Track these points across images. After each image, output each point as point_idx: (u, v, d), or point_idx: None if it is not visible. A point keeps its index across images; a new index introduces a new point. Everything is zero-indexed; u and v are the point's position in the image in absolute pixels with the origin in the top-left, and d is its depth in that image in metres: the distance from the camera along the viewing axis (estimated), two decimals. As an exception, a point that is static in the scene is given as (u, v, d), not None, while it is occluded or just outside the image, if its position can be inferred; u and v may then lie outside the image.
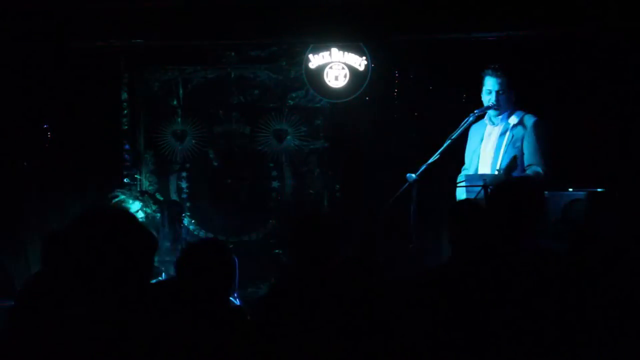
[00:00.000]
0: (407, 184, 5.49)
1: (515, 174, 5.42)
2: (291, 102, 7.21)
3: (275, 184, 7.24)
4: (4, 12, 6.78)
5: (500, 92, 5.55)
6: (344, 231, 7.11)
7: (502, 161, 5.48)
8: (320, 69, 7.03)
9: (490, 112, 5.63)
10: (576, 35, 6.58)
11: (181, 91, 7.29)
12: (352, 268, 3.47)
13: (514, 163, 5.43)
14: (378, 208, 6.83)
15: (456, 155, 6.55)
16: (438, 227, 6.90)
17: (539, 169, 5.42)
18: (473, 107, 5.77)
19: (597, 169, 6.74)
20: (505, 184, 3.83)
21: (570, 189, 5.58)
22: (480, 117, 5.77)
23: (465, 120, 5.57)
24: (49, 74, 7.12)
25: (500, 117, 5.62)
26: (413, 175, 5.45)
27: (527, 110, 5.68)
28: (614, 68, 6.53)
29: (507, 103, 5.59)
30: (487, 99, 5.59)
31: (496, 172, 5.46)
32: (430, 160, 5.54)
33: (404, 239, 6.98)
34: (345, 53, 6.98)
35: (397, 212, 6.96)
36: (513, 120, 5.57)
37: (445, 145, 5.55)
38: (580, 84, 6.62)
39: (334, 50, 7.01)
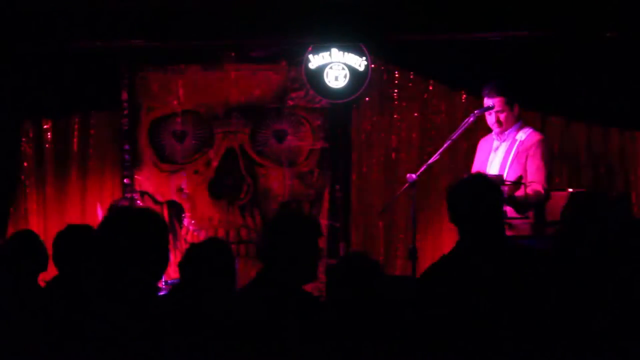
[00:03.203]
0: (407, 184, 5.49)
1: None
2: (291, 102, 7.21)
3: (275, 184, 7.24)
4: (4, 12, 6.77)
5: (499, 111, 5.57)
6: (344, 231, 7.15)
7: (507, 176, 5.48)
8: (320, 69, 7.03)
9: (496, 130, 5.64)
10: (576, 36, 6.58)
11: (181, 91, 7.28)
12: (350, 267, 3.46)
13: (520, 182, 5.44)
14: (378, 208, 6.83)
15: (456, 156, 6.57)
16: (438, 227, 6.91)
17: (539, 187, 5.45)
18: (473, 107, 5.78)
19: (597, 169, 6.76)
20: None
21: (570, 189, 5.60)
22: (487, 128, 5.76)
23: (466, 120, 5.58)
24: (49, 74, 7.12)
25: (507, 132, 5.63)
26: (413, 175, 5.45)
27: (534, 127, 5.70)
28: (614, 68, 6.53)
29: (508, 119, 5.59)
30: (490, 120, 5.60)
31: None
32: (431, 161, 5.55)
33: (404, 239, 7.01)
34: (345, 53, 6.98)
35: (397, 212, 7.00)
36: (520, 136, 5.57)
37: (445, 145, 5.55)
38: (579, 84, 6.62)
39: (334, 50, 7.01)
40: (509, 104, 5.57)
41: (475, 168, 5.80)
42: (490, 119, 5.59)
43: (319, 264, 3.54)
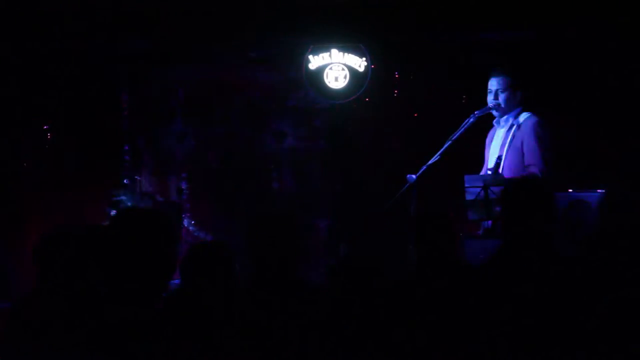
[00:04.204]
0: (407, 185, 5.50)
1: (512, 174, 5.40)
2: (291, 103, 7.22)
3: (275, 184, 7.25)
4: (4, 13, 6.78)
5: (500, 90, 5.51)
6: (344, 232, 7.16)
7: (504, 162, 5.46)
8: (320, 70, 7.04)
9: (496, 114, 5.60)
10: (575, 36, 6.59)
11: (181, 92, 7.29)
12: (353, 267, 3.47)
13: (499, 166, 5.41)
14: (378, 209, 6.84)
15: (456, 157, 6.55)
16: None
17: (536, 170, 5.38)
18: (473, 107, 5.78)
19: (597, 170, 6.76)
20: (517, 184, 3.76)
21: (570, 190, 5.58)
22: (487, 127, 5.75)
23: (466, 121, 5.55)
24: (49, 74, 7.13)
25: (505, 118, 5.58)
26: (413, 176, 5.45)
27: (534, 111, 5.65)
28: (614, 68, 6.54)
29: (509, 103, 5.53)
30: (489, 99, 5.57)
31: (488, 172, 5.47)
32: (431, 162, 5.54)
33: (404, 239, 7.01)
34: (345, 54, 6.99)
35: (397, 213, 7.00)
36: (518, 121, 5.54)
37: (445, 146, 5.54)
38: (580, 84, 6.63)
39: (334, 51, 7.01)
40: (513, 86, 5.53)
41: (485, 162, 5.79)
42: (490, 96, 5.54)
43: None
